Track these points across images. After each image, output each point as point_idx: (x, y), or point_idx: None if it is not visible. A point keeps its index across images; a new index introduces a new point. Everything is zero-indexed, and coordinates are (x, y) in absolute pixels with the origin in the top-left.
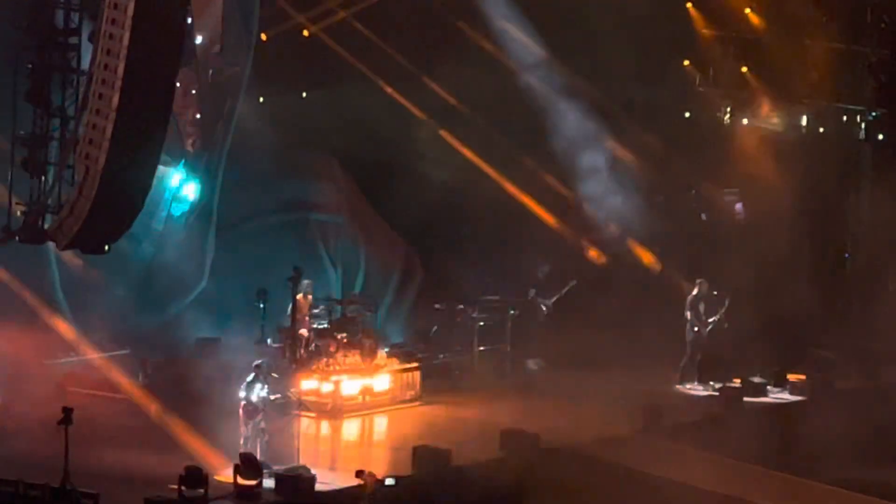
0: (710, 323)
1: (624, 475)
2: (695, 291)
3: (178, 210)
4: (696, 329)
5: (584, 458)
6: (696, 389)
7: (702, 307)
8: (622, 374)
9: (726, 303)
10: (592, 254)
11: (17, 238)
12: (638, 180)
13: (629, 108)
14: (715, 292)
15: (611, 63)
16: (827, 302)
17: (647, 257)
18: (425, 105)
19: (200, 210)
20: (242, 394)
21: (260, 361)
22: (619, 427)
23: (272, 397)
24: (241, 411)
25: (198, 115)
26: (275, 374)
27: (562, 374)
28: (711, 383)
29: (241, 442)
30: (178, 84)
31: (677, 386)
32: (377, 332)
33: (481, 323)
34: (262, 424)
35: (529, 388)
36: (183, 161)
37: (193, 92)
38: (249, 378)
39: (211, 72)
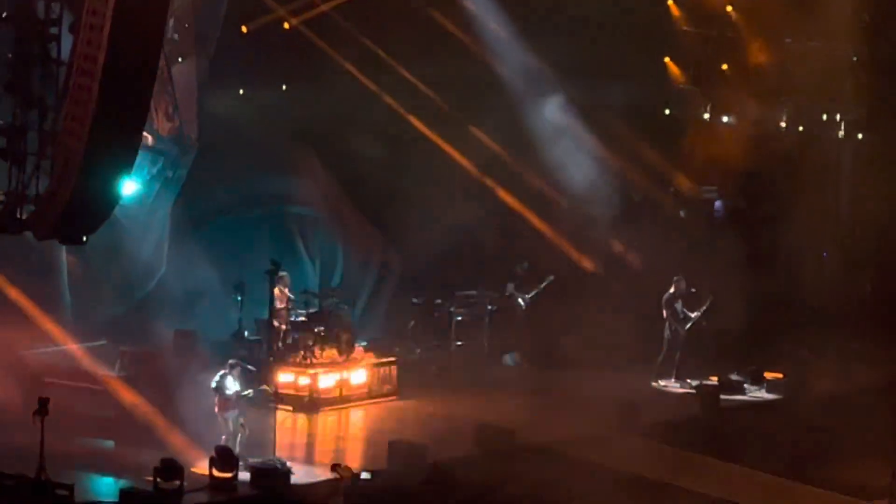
0: (688, 321)
1: (600, 473)
2: (672, 289)
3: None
4: (673, 327)
5: (559, 456)
6: (672, 387)
7: (679, 305)
8: (599, 371)
9: (707, 301)
10: (582, 260)
11: None
12: (617, 178)
13: (609, 105)
14: (693, 290)
15: (591, 60)
16: (804, 301)
17: (626, 255)
18: (405, 98)
19: (159, 197)
20: (214, 387)
21: (234, 360)
22: (595, 424)
23: (244, 393)
24: (215, 405)
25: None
26: (251, 367)
27: (539, 370)
28: (688, 381)
29: (222, 436)
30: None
31: (653, 383)
32: (354, 325)
33: (459, 318)
34: (242, 420)
35: (506, 384)
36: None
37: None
38: (221, 373)
39: (180, 59)
